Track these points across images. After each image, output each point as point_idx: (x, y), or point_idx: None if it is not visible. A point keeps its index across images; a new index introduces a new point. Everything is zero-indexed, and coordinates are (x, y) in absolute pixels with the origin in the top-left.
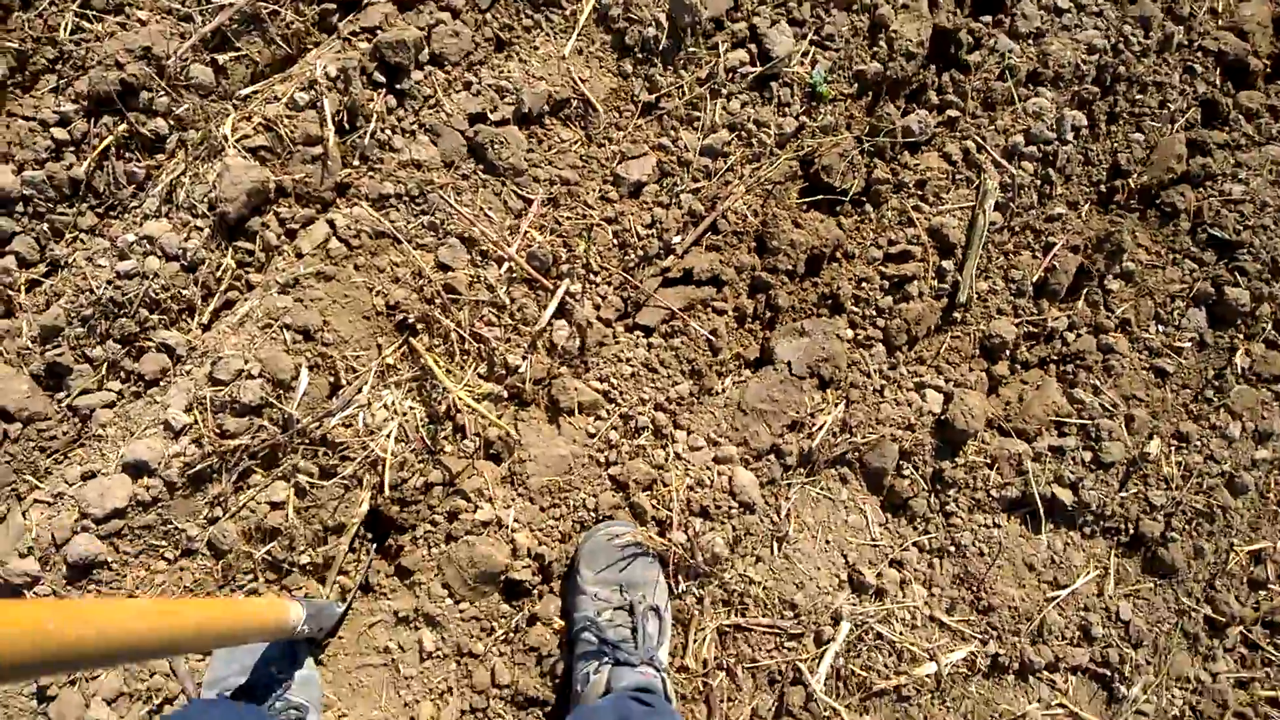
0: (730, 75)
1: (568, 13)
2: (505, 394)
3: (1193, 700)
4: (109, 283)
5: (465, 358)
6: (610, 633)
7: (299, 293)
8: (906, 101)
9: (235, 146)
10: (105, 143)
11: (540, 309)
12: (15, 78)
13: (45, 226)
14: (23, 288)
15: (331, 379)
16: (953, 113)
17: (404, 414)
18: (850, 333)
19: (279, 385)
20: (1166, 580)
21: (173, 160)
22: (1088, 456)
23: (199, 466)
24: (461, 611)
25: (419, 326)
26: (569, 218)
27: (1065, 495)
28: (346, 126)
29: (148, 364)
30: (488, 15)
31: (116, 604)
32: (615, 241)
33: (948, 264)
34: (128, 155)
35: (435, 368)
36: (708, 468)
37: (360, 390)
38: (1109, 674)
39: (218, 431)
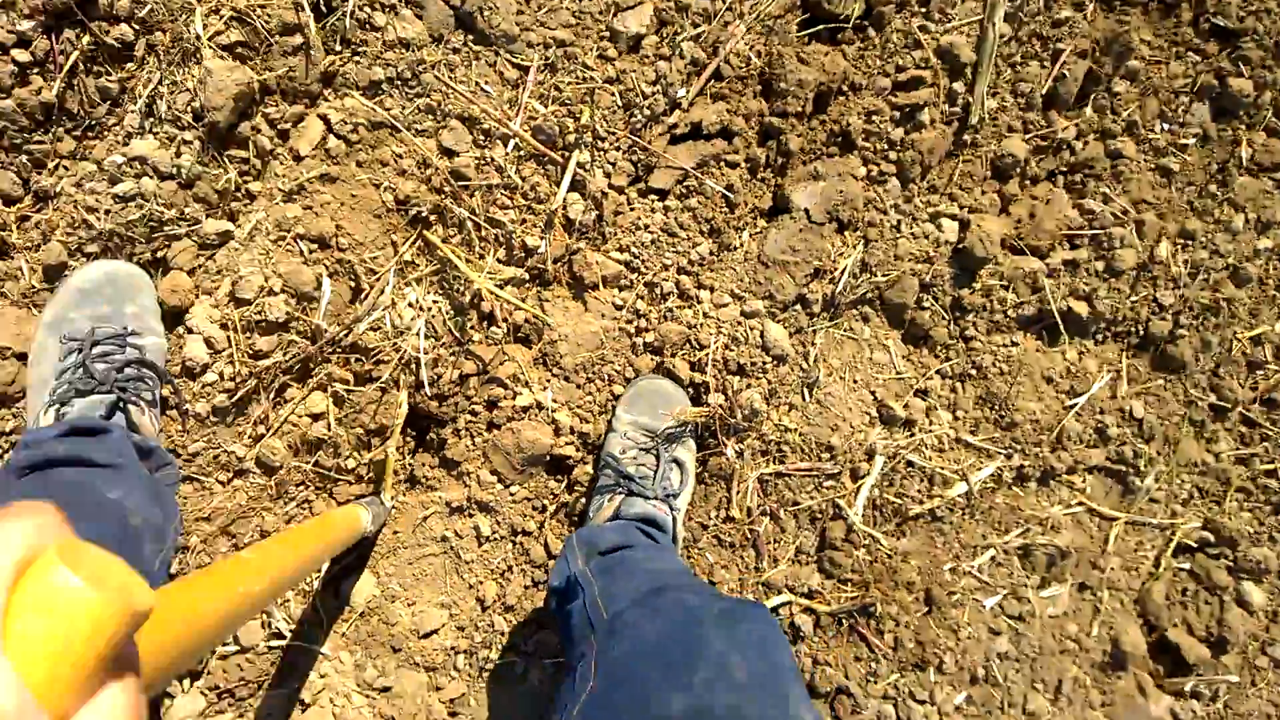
0: None
1: None
2: (527, 276)
3: (1199, 482)
4: (107, 212)
5: (483, 244)
6: (630, 468)
7: (306, 199)
8: None
9: (210, 46)
10: (71, 59)
11: (553, 185)
12: None
13: (24, 158)
14: (14, 226)
15: (353, 284)
16: None
17: (429, 309)
18: (864, 170)
19: (302, 298)
20: (1175, 375)
21: (145, 69)
22: (1100, 266)
23: (239, 392)
24: (512, 494)
25: (432, 218)
26: (569, 83)
27: (1080, 308)
28: (323, 9)
29: (163, 290)
30: None
31: (263, 552)
32: (619, 103)
33: (958, 86)
34: (97, 70)
35: (454, 258)
36: (738, 323)
37: (383, 292)
38: (1124, 469)
39: (250, 353)
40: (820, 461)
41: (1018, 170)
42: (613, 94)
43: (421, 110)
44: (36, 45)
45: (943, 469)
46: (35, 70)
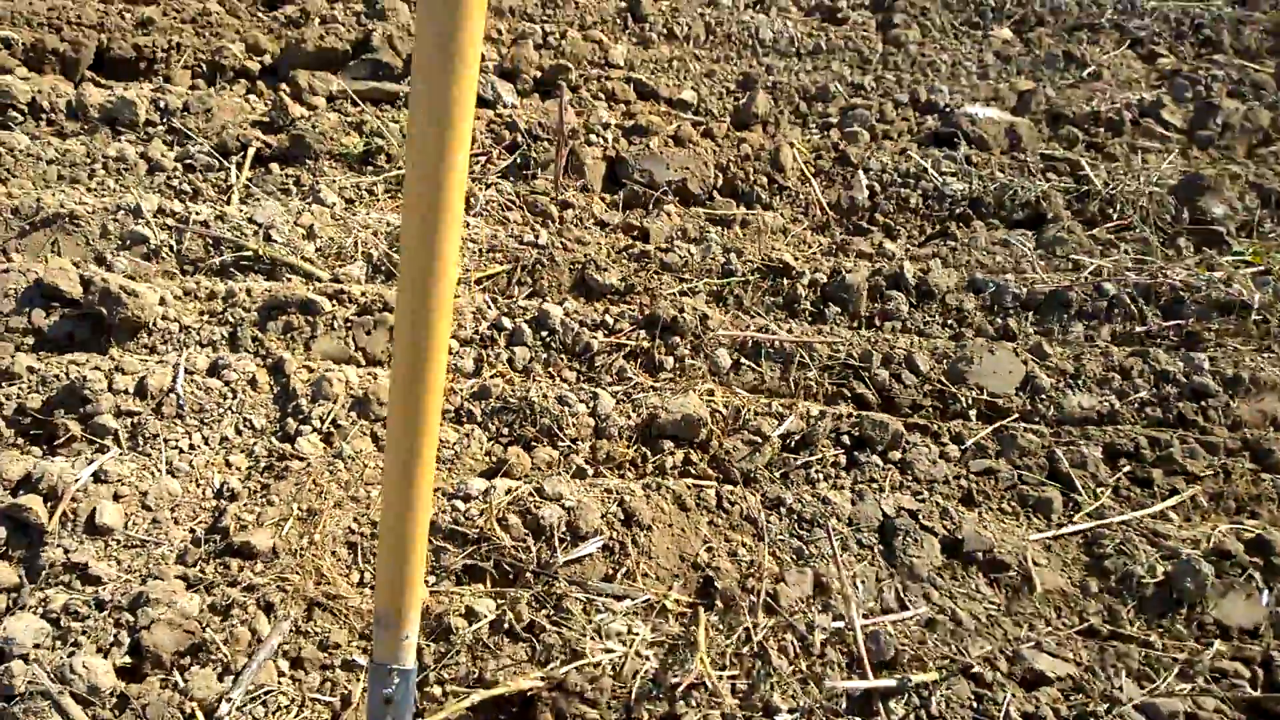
0: None
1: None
2: None
3: None
4: None
5: (735, 662)
6: None
7: (670, 484)
8: None
9: None
10: None
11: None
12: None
13: None
14: None
15: (613, 569)
16: None
17: (639, 655)
18: None
19: (575, 534)
20: None
21: None
22: None
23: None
24: None
25: (718, 602)
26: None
27: None
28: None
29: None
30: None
31: None
32: None
33: None
34: None
35: (703, 639)
36: None
37: (624, 599)
38: None
39: (500, 520)
40: None
41: None
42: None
43: (795, 540)
44: None
45: None
46: None
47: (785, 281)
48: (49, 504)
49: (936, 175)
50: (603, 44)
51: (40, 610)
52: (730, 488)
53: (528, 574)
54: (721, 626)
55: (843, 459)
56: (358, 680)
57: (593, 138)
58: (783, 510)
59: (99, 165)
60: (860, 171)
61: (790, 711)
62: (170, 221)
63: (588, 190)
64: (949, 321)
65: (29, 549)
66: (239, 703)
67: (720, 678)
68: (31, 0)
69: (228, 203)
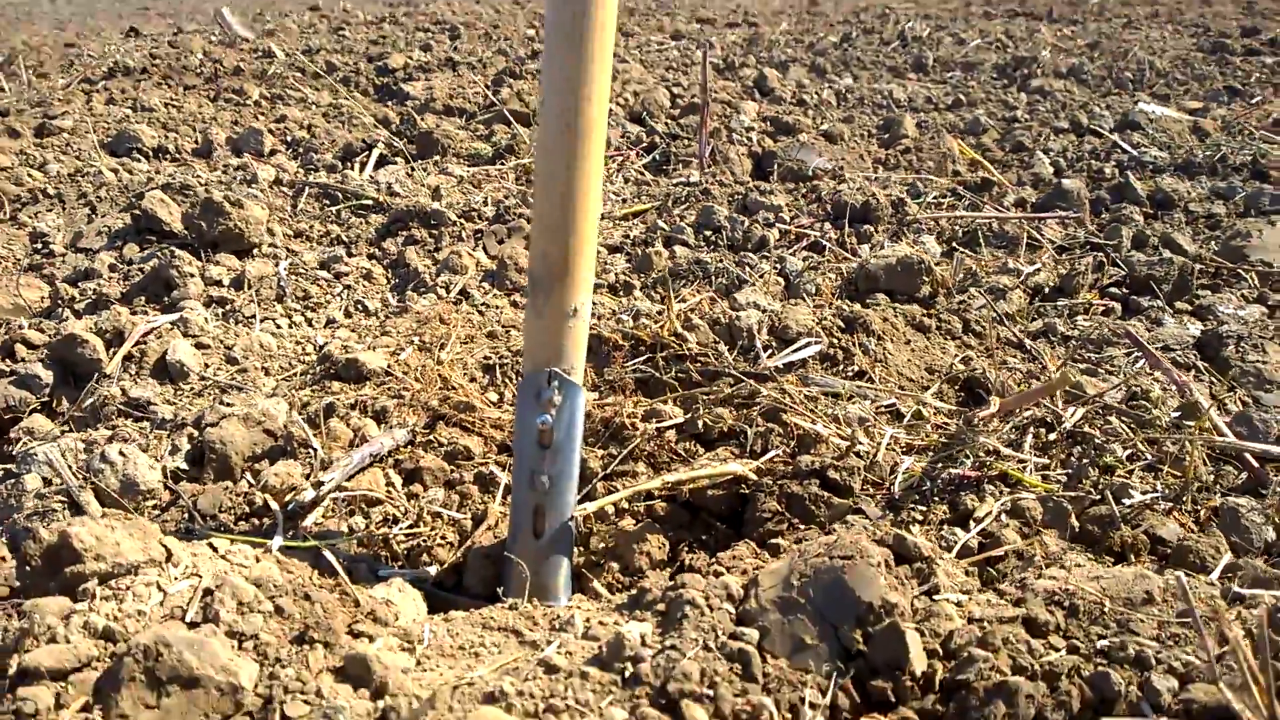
0: None
1: None
2: None
3: None
4: None
5: (1039, 452)
6: None
7: (900, 306)
8: None
9: None
10: None
11: None
12: None
13: None
14: None
15: (848, 371)
16: None
17: (892, 450)
18: None
19: (782, 339)
20: None
21: None
22: None
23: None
24: None
25: (994, 405)
26: None
27: None
28: None
29: None
30: None
31: None
32: None
33: None
34: None
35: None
36: None
37: (860, 399)
38: None
39: (685, 323)
40: None
41: None
42: None
43: None
44: None
45: None
46: None
47: (986, 195)
48: (111, 349)
49: (1129, 147)
50: (733, 104)
51: (82, 442)
52: (978, 318)
53: (724, 382)
54: (1001, 424)
55: (1116, 306)
56: (494, 497)
57: (735, 136)
58: (1053, 337)
59: (220, 171)
60: (1039, 152)
61: (1144, 492)
62: (287, 190)
63: (737, 180)
64: (1200, 227)
65: (75, 398)
66: (329, 495)
67: (1023, 465)
68: (167, 107)
69: (350, 170)
